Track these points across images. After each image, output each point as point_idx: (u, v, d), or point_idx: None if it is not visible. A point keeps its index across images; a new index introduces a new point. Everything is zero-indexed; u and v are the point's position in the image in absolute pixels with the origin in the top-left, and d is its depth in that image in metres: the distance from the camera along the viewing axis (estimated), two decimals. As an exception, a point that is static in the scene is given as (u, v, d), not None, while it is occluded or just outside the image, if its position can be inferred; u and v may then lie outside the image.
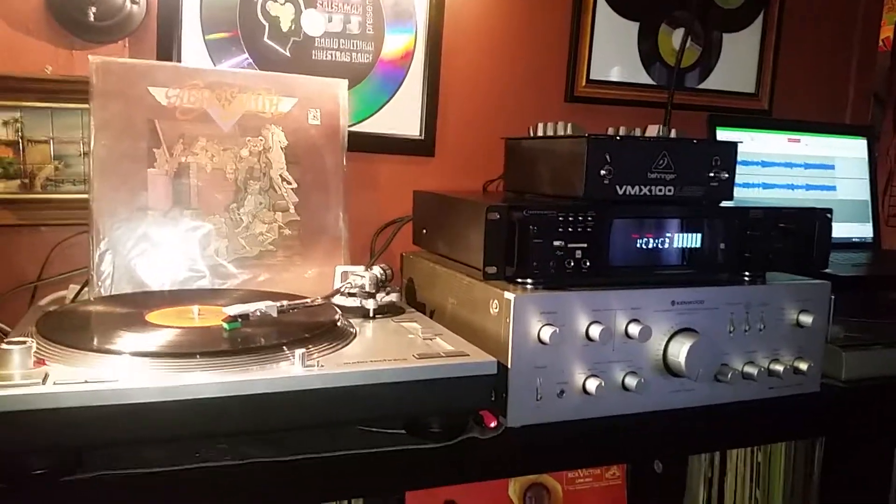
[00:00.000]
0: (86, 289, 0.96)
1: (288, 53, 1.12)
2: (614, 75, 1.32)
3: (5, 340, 0.64)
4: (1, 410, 0.58)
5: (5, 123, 0.98)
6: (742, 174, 1.32)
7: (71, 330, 0.72)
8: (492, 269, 0.79)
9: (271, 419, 0.66)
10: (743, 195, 1.31)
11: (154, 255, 0.96)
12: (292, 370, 0.67)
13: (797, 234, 0.92)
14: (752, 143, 1.33)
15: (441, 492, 0.87)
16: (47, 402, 0.59)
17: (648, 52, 1.34)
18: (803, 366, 0.90)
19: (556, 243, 0.80)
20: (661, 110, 1.33)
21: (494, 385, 0.77)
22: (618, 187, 0.86)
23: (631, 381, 0.82)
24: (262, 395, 0.65)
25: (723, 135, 1.30)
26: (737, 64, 1.41)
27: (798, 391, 0.92)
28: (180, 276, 0.97)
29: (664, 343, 0.84)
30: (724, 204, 0.92)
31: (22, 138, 0.99)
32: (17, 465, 0.61)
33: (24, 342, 0.64)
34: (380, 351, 0.75)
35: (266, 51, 1.11)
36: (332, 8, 1.13)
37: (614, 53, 1.32)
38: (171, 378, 0.64)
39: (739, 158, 1.31)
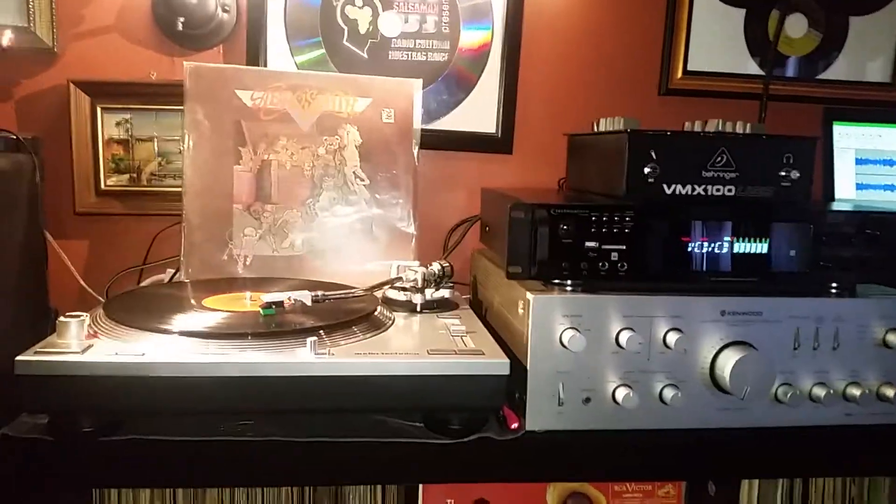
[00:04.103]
0: (179, 273, 1.06)
1: (365, 55, 1.16)
2: (716, 66, 1.23)
3: (65, 314, 0.73)
4: (43, 374, 0.66)
5: (117, 124, 1.11)
6: (863, 174, 1.18)
7: (128, 309, 0.80)
8: (515, 269, 0.77)
9: (281, 401, 0.70)
10: (864, 197, 1.16)
11: (236, 244, 1.04)
12: (303, 356, 0.71)
13: (887, 241, 0.80)
14: (878, 140, 1.18)
15: (474, 490, 0.86)
16: (82, 370, 0.67)
17: (757, 41, 1.23)
18: (890, 392, 0.79)
19: (589, 244, 0.77)
20: (769, 102, 1.23)
21: (513, 386, 0.75)
22: (665, 186, 0.80)
23: (669, 394, 0.76)
24: (273, 378, 0.69)
25: (841, 130, 1.17)
26: (866, 50, 1.25)
27: (884, 420, 0.81)
28: (258, 265, 1.04)
29: (712, 356, 0.78)
30: (797, 206, 0.83)
31: (131, 137, 1.11)
32: (63, 423, 0.70)
33: (79, 316, 0.72)
34: (402, 344, 0.77)
35: (345, 53, 1.16)
36: (408, 8, 1.16)
37: (717, 42, 1.22)
38: (193, 356, 0.70)
39: (861, 157, 1.19)
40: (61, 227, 1.11)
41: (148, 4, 1.10)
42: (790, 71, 1.25)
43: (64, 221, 1.12)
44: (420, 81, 1.09)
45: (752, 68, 1.24)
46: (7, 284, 0.85)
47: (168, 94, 1.09)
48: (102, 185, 1.12)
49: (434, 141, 1.17)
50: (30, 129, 1.07)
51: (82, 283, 1.08)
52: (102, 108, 1.10)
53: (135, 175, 1.13)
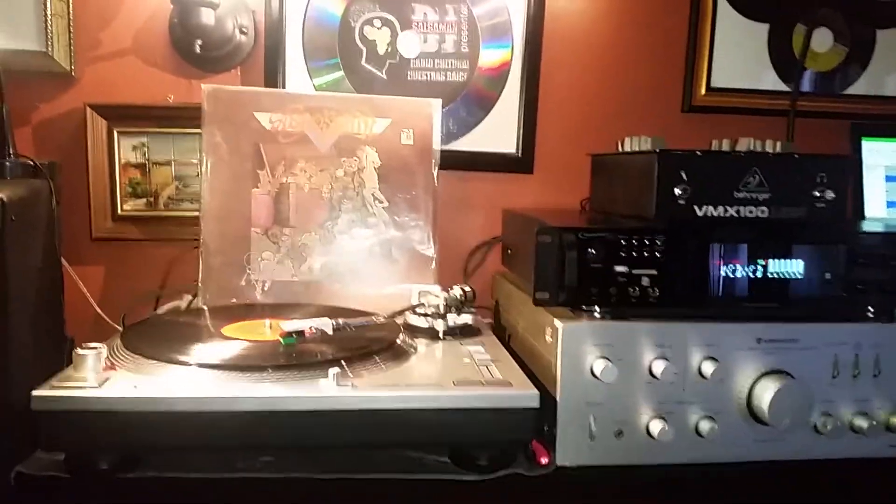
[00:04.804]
0: (197, 298, 1.04)
1: (384, 76, 1.15)
2: (740, 82, 1.20)
3: (82, 346, 0.71)
4: (60, 409, 0.65)
5: (134, 148, 1.10)
6: (894, 191, 1.15)
7: (146, 340, 0.78)
8: (543, 295, 0.74)
9: (303, 436, 0.68)
10: (895, 215, 1.13)
11: (254, 269, 1.02)
12: (326, 389, 0.68)
13: (928, 264, 0.77)
14: (909, 156, 1.15)
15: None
16: (100, 405, 0.65)
17: (781, 56, 1.21)
18: (937, 422, 0.76)
19: (619, 269, 0.74)
20: (795, 119, 1.20)
21: (542, 419, 0.73)
22: (696, 208, 0.78)
23: (705, 427, 0.73)
24: (294, 413, 0.67)
25: (870, 146, 1.14)
26: (894, 64, 1.22)
27: (932, 452, 0.78)
28: (277, 290, 1.02)
29: (749, 385, 0.75)
30: (832, 228, 0.80)
31: (148, 161, 1.10)
32: (80, 460, 0.68)
33: (96, 348, 0.70)
34: (426, 374, 0.74)
35: (364, 74, 1.15)
36: (427, 28, 1.14)
37: (740, 58, 1.20)
38: (213, 389, 0.68)
39: (891, 174, 1.16)
40: (77, 253, 1.09)
41: (165, 27, 1.09)
42: (815, 86, 1.22)
43: (80, 247, 1.10)
44: (439, 101, 1.07)
45: (777, 84, 1.21)
46: (25, 313, 0.83)
47: (185, 118, 1.08)
48: (119, 210, 1.10)
49: (453, 161, 1.15)
50: (47, 153, 1.06)
51: (98, 310, 1.06)
52: (119, 132, 1.09)
53: (152, 199, 1.11)
